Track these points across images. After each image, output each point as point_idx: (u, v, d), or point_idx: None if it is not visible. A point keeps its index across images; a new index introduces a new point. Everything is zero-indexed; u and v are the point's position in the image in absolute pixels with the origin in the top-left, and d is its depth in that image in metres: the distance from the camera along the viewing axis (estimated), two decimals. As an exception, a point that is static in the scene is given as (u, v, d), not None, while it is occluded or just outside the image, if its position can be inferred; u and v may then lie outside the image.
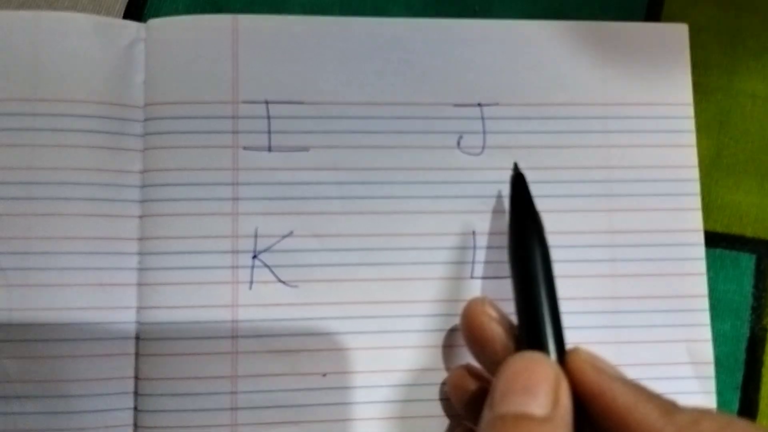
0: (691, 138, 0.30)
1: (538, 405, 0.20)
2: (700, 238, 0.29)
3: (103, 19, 0.29)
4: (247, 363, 0.27)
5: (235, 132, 0.28)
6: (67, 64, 0.28)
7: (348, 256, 0.28)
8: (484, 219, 0.29)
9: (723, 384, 0.29)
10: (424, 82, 0.29)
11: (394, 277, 0.28)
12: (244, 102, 0.28)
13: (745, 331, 0.30)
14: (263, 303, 0.27)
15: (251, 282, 0.28)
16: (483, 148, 0.29)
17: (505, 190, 0.28)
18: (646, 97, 0.30)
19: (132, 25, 0.29)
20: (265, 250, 0.28)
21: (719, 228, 0.30)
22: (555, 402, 0.21)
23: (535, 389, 0.21)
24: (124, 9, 0.30)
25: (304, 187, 0.28)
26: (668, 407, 0.20)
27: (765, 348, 0.29)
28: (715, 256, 0.30)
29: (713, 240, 0.29)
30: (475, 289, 0.28)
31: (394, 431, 0.27)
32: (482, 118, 0.29)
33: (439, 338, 0.28)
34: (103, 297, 0.27)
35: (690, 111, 0.30)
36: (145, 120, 0.28)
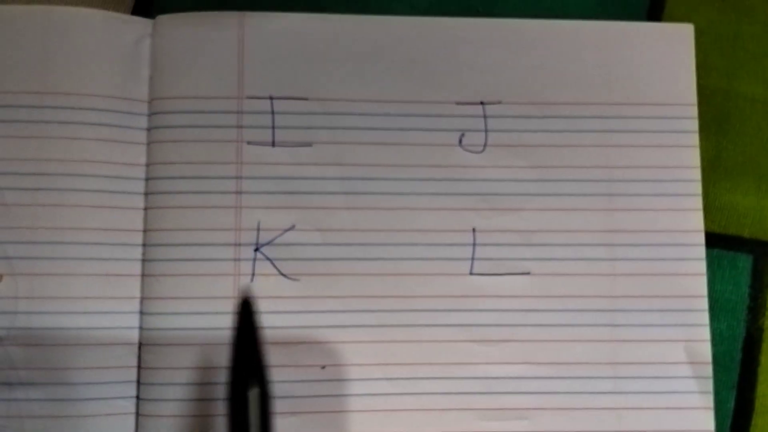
0: (694, 139, 0.30)
1: None
2: (701, 238, 0.29)
3: (111, 14, 0.29)
4: (248, 354, 0.27)
5: (239, 127, 0.29)
6: (76, 59, 0.28)
7: (349, 250, 0.28)
8: (484, 216, 0.29)
9: (719, 383, 0.29)
10: (427, 80, 0.29)
11: (395, 272, 0.28)
12: (249, 97, 0.29)
13: (742, 331, 0.30)
14: (264, 295, 0.28)
15: (253, 274, 0.28)
16: (485, 146, 0.29)
17: (507, 188, 0.28)
18: (649, 97, 0.30)
19: (140, 21, 0.29)
20: (267, 244, 0.28)
21: (717, 229, 0.30)
22: None
23: None
24: (132, 5, 0.30)
25: (306, 182, 0.29)
26: None
27: (761, 348, 0.30)
28: (712, 256, 0.30)
29: (711, 240, 0.30)
30: (474, 285, 0.28)
31: (392, 424, 0.28)
32: (484, 117, 0.29)
33: (437, 333, 0.28)
34: (107, 287, 0.27)
35: (693, 111, 0.30)
36: (151, 114, 0.29)
